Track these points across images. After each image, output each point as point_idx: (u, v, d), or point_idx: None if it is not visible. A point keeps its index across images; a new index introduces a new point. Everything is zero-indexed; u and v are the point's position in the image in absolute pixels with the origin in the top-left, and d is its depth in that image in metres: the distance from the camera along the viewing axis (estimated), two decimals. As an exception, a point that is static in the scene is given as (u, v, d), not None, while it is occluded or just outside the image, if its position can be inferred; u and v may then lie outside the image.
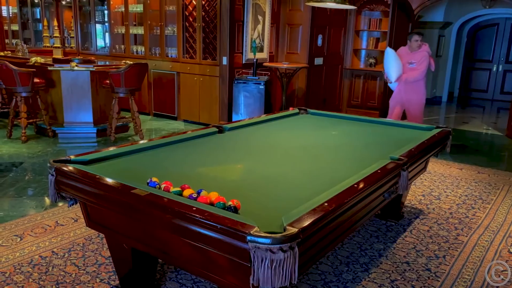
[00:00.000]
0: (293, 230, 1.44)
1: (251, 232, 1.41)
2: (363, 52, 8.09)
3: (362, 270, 2.67)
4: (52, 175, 2.10)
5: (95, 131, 5.81)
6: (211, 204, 1.71)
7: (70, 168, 2.08)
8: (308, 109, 4.09)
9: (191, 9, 6.58)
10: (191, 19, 6.63)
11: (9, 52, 7.31)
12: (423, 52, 5.08)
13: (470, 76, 10.91)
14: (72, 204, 2.14)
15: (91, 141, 5.69)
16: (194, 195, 1.75)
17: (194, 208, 1.62)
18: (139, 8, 7.21)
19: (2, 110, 6.31)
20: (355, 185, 1.98)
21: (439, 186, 4.31)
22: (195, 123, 6.78)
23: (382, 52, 7.45)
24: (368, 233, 3.18)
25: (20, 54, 6.86)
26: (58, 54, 6.37)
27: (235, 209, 1.66)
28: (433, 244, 3.06)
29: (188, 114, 6.90)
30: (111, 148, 2.48)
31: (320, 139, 3.12)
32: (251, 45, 6.44)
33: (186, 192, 1.79)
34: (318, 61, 7.34)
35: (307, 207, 1.68)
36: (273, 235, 1.39)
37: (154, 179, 1.93)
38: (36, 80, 5.46)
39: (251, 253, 1.39)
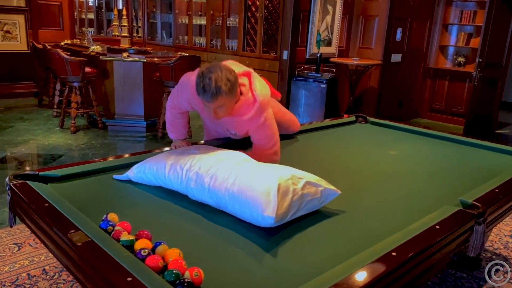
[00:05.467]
0: None
1: None
2: (451, 49, 6.99)
3: None
4: (8, 194, 1.70)
5: (145, 125, 5.55)
6: (163, 270, 1.17)
7: (25, 186, 1.66)
8: (368, 118, 3.36)
9: (254, -3, 6.06)
10: (253, 9, 6.11)
11: (78, 40, 7.37)
12: None
13: None
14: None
15: (140, 135, 5.44)
16: (145, 253, 1.22)
17: (129, 279, 1.09)
18: (203, -4, 6.86)
19: (59, 99, 6.31)
20: (391, 255, 1.32)
21: (535, 224, 3.37)
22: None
23: (474, 50, 6.36)
24: None
25: (86, 42, 6.85)
26: (125, 44, 6.23)
27: (189, 287, 1.10)
28: (519, 315, 2.25)
29: (245, 111, 6.42)
30: (99, 161, 2.05)
31: (372, 160, 2.43)
32: (316, 38, 5.76)
33: (138, 245, 1.27)
34: (396, 58, 6.44)
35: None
36: None
37: (110, 216, 1.44)
38: (87, 69, 5.31)
39: None
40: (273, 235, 1.48)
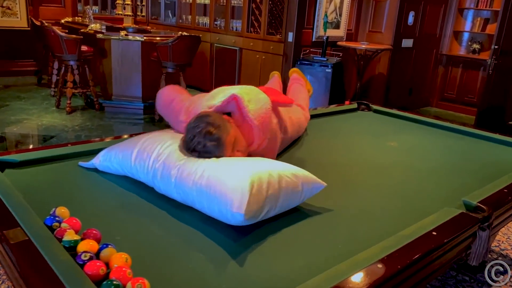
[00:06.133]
0: None
1: None
2: (465, 35, 6.66)
3: None
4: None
5: (142, 107, 5.37)
6: (105, 278, 1.00)
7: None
8: (371, 105, 3.14)
9: (259, -24, 5.79)
10: (259, -13, 5.84)
11: (80, 18, 7.18)
12: None
13: None
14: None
15: (137, 117, 5.27)
16: (85, 257, 1.05)
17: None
18: (208, -26, 6.59)
19: (57, 78, 6.15)
20: (376, 267, 1.13)
21: (547, 224, 3.15)
22: (254, 106, 6.05)
23: (490, 37, 6.04)
24: (426, 291, 2.26)
25: (87, 21, 6.66)
26: (128, 22, 6.01)
27: (127, 302, 0.92)
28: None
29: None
30: (71, 144, 1.87)
31: (368, 152, 2.22)
32: (323, 20, 5.49)
33: (81, 247, 1.10)
34: (407, 43, 6.15)
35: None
36: None
37: (59, 210, 1.26)
38: (84, 48, 5.13)
39: None
40: (244, 236, 1.29)
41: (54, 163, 1.74)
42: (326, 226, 1.42)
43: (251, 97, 1.60)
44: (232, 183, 1.28)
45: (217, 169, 1.35)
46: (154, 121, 5.10)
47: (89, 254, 1.06)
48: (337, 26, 5.81)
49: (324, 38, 5.36)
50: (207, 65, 6.64)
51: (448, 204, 1.56)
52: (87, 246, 1.10)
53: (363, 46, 5.64)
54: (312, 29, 5.57)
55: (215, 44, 6.47)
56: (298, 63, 5.30)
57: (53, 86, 5.83)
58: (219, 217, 1.32)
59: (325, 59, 5.28)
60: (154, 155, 1.50)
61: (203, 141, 1.42)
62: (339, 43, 5.78)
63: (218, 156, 1.44)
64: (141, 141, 1.61)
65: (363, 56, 5.78)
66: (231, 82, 6.32)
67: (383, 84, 6.12)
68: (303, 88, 2.62)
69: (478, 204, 1.55)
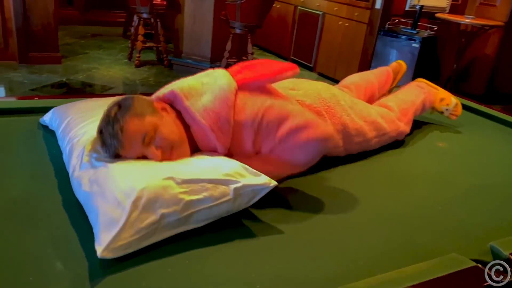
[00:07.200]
0: None
1: None
2: None
3: None
4: None
5: (208, 68, 5.16)
6: None
7: None
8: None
9: None
10: None
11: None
12: None
13: None
14: None
15: (203, 78, 5.09)
16: None
17: None
18: None
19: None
20: None
21: None
22: (329, 79, 5.53)
23: None
24: None
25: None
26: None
27: None
28: None
29: (324, 66, 5.67)
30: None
31: (402, 152, 1.71)
32: (420, -14, 4.68)
33: None
34: (528, 20, 5.03)
35: None
36: None
37: None
38: (156, 1, 5.02)
39: None
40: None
41: (15, 116, 1.57)
42: (288, 250, 1.03)
43: (201, 89, 1.22)
44: (113, 196, 0.96)
45: (111, 170, 1.03)
46: (216, 83, 4.88)
47: None
48: (439, -6, 4.93)
49: (418, 7, 4.57)
50: (288, 30, 6.20)
51: (464, 247, 1.06)
52: None
53: (468, 20, 4.72)
54: (407, -5, 4.80)
55: (299, 7, 5.97)
56: (381, 33, 4.62)
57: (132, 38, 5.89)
58: None
59: (415, 31, 4.52)
60: (71, 134, 1.23)
61: (104, 127, 1.09)
62: (437, 15, 4.92)
63: (119, 154, 1.10)
64: (82, 105, 1.35)
65: (467, 32, 4.86)
66: (309, 50, 5.82)
67: (487, 68, 5.13)
68: (421, 93, 1.91)
69: (511, 256, 1.02)
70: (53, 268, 0.90)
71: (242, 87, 1.25)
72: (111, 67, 5.03)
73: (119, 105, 1.11)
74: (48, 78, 4.35)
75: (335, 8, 5.36)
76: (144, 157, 1.12)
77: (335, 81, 5.18)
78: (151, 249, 0.97)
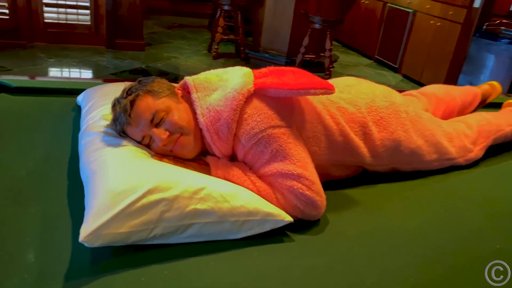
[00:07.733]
0: None
1: None
2: None
3: None
4: None
5: (284, 64, 5.05)
6: None
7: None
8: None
9: None
10: None
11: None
12: None
13: None
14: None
15: (278, 73, 4.99)
16: None
17: None
18: None
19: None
20: None
21: None
22: (414, 82, 5.11)
23: None
24: None
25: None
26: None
27: None
28: None
29: (410, 68, 5.24)
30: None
31: (463, 175, 1.44)
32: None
33: None
34: None
35: None
36: None
37: None
38: (239, -7, 5.01)
39: None
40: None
41: (50, 95, 1.59)
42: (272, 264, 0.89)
43: (216, 84, 1.13)
44: (119, 183, 0.90)
45: (112, 157, 0.97)
46: (290, 79, 4.74)
47: None
48: (554, -8, 4.28)
49: (525, 6, 4.01)
50: (374, 27, 5.84)
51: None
52: None
53: None
54: (513, -7, 4.24)
55: (388, 4, 5.59)
56: (477, 35, 4.13)
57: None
58: None
59: (519, 34, 3.97)
60: (91, 115, 1.20)
61: (118, 100, 1.05)
62: (551, 16, 4.28)
63: (126, 134, 1.09)
64: (105, 90, 1.31)
65: None
66: (395, 50, 5.43)
67: None
68: None
69: None
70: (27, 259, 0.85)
71: (259, 91, 1.11)
72: (190, 57, 5.13)
73: (139, 81, 1.13)
74: (129, 64, 4.55)
75: (428, 6, 4.92)
76: (146, 147, 1.08)
77: (420, 84, 4.76)
78: (151, 249, 0.89)
